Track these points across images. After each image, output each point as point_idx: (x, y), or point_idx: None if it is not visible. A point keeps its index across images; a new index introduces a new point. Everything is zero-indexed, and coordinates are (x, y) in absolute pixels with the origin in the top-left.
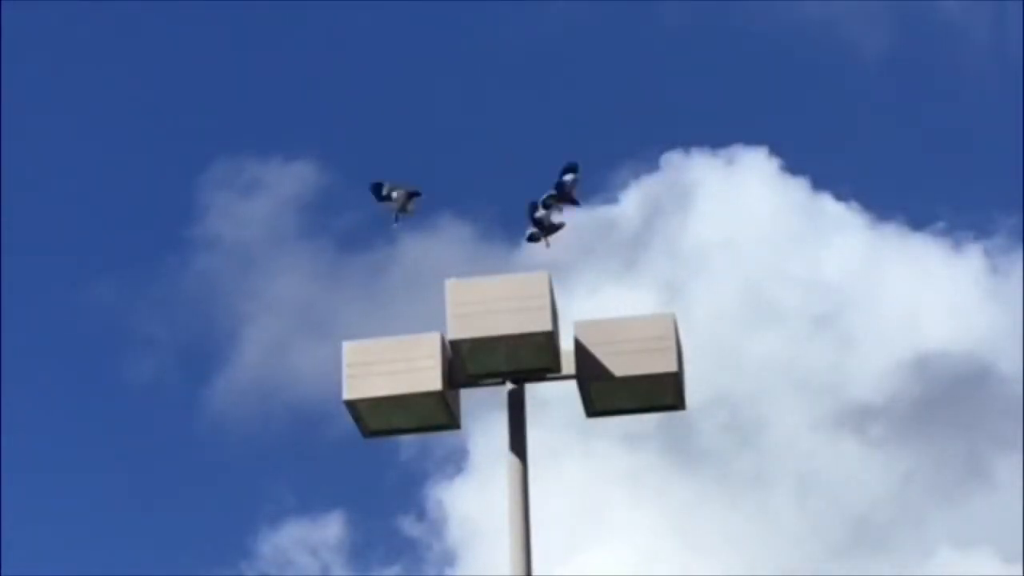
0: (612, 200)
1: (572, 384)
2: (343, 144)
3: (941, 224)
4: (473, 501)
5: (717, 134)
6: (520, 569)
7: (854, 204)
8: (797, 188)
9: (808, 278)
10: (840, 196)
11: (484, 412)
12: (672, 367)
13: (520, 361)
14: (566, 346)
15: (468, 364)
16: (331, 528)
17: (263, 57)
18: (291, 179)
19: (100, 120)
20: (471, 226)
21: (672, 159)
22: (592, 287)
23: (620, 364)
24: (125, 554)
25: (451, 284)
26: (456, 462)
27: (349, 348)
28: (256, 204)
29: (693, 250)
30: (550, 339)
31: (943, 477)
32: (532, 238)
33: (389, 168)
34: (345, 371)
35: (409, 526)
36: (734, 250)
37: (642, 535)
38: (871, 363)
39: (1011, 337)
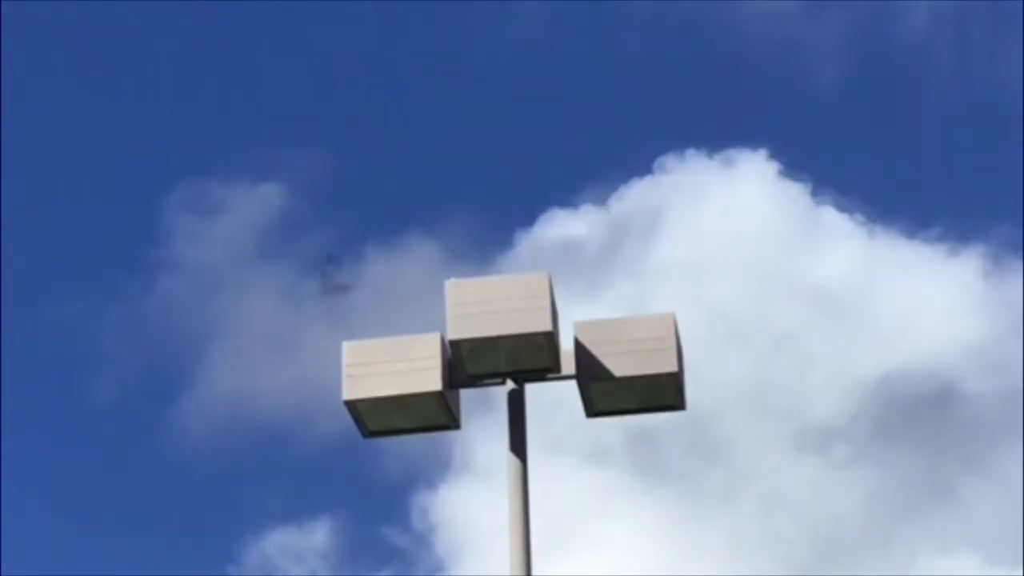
0: (603, 205)
1: (544, 398)
2: (308, 166)
3: (936, 230)
4: (458, 506)
5: (713, 137)
6: (520, 569)
7: (852, 211)
8: (795, 193)
9: (798, 287)
10: (837, 203)
11: (469, 417)
12: (672, 367)
13: (520, 361)
14: (566, 346)
15: (468, 364)
16: (317, 535)
17: (229, 80)
18: (256, 201)
19: (65, 141)
20: (438, 244)
21: (665, 162)
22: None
23: (620, 364)
24: (108, 567)
25: (451, 284)
26: (442, 467)
27: (349, 348)
28: (221, 226)
29: (663, 264)
30: (550, 339)
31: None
32: None
33: (357, 189)
34: (345, 371)
35: (396, 534)
36: (715, 261)
37: (608, 552)
38: (863, 372)
39: (1008, 339)
